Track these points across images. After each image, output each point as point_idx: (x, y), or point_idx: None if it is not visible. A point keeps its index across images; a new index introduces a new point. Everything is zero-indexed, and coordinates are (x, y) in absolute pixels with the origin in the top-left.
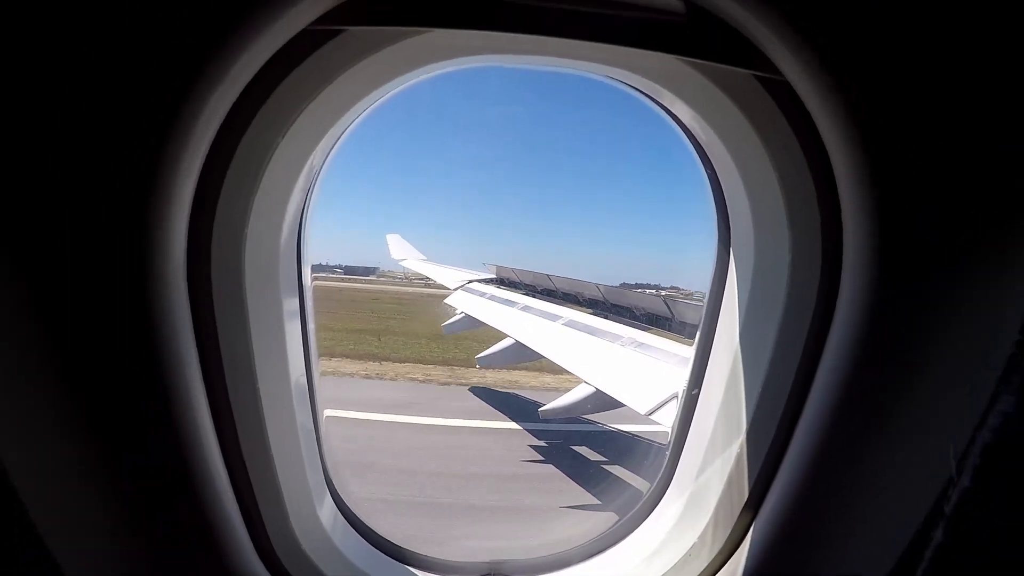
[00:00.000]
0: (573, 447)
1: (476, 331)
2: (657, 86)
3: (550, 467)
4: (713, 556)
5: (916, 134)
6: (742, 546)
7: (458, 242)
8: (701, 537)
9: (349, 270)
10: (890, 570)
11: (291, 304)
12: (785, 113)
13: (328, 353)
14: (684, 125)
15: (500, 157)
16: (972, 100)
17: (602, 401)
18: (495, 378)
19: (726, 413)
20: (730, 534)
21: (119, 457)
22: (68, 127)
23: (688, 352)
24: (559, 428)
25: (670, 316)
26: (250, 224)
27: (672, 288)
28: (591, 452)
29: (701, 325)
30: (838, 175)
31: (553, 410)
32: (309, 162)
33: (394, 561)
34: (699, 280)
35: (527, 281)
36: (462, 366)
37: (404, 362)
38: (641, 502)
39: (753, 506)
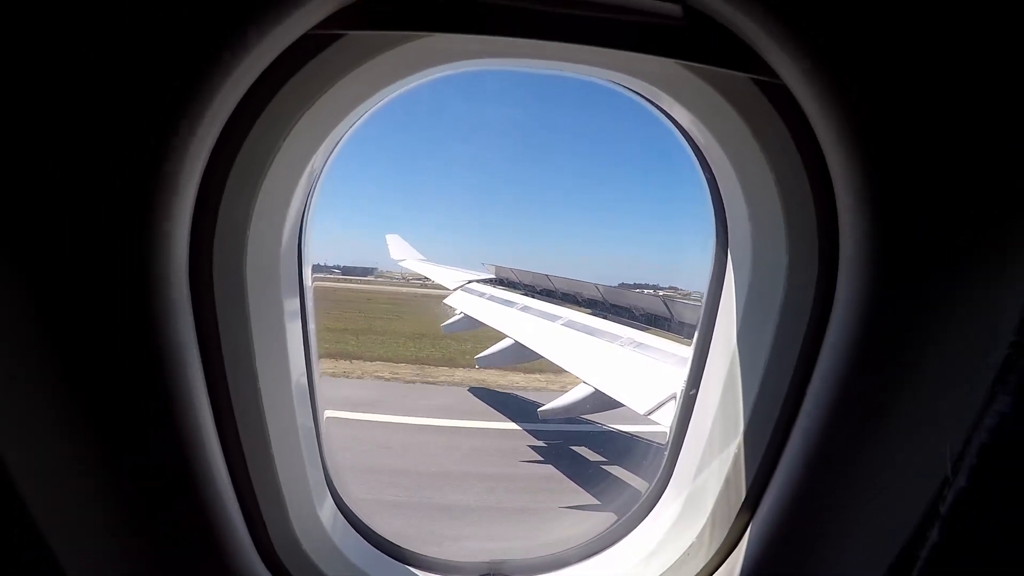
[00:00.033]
0: (572, 447)
1: (466, 331)
2: (656, 89)
3: (549, 467)
4: (710, 556)
5: (912, 137)
6: (739, 546)
7: (457, 242)
8: (699, 537)
9: (347, 270)
10: (886, 570)
11: (292, 304)
12: (782, 116)
13: None
14: (683, 128)
15: (499, 158)
16: (969, 104)
17: (601, 401)
18: (465, 377)
19: (724, 414)
20: (727, 534)
21: (121, 457)
22: (71, 129)
23: (687, 352)
24: (558, 429)
25: (669, 316)
26: (252, 225)
27: (670, 288)
28: (590, 452)
29: (699, 326)
30: (834, 178)
31: (552, 410)
32: (310, 164)
33: (394, 561)
34: (697, 280)
35: (526, 281)
36: (434, 365)
37: (375, 360)
38: (639, 502)
39: (750, 506)
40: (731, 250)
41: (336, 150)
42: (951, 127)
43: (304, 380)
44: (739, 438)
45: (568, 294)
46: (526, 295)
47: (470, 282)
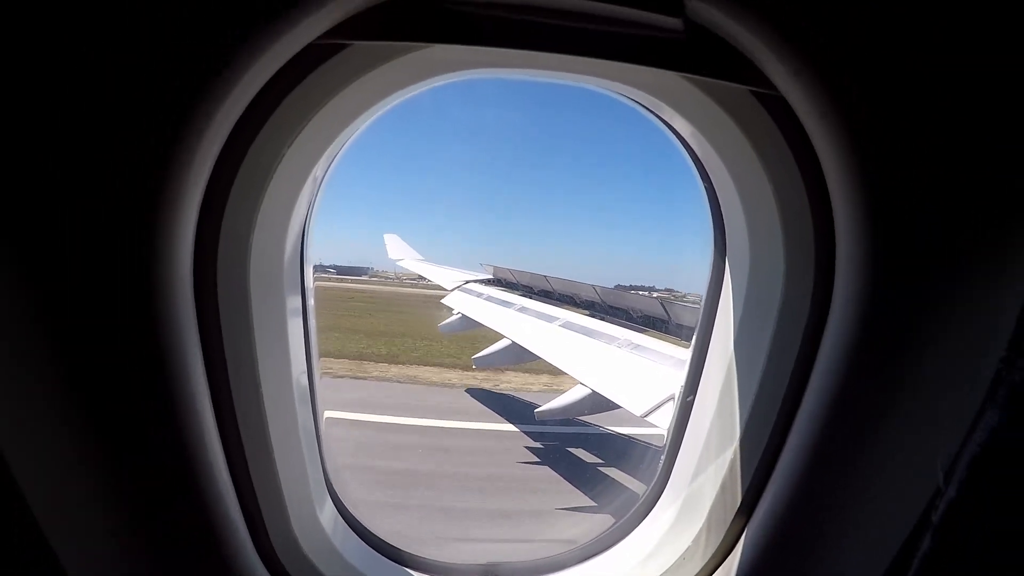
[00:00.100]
0: (569, 449)
1: (464, 331)
2: (657, 100)
3: (546, 468)
4: (706, 560)
5: (907, 148)
6: (735, 551)
7: (455, 243)
8: (695, 541)
9: (342, 270)
10: (883, 573)
11: (294, 308)
12: (780, 128)
13: None
14: (683, 138)
15: (499, 162)
16: (965, 117)
17: (598, 402)
18: (399, 373)
19: (720, 419)
20: (723, 538)
21: (122, 457)
22: (78, 134)
23: (684, 354)
24: (556, 430)
25: (666, 318)
26: (256, 231)
27: (667, 290)
28: (587, 454)
29: (696, 333)
30: (831, 188)
31: (549, 411)
32: (314, 171)
33: (393, 563)
34: (694, 282)
35: (524, 282)
36: (374, 360)
37: (322, 357)
38: (636, 506)
39: (746, 511)
40: (729, 258)
41: (338, 157)
42: (947, 138)
43: (305, 382)
44: (735, 443)
45: (566, 295)
46: (524, 296)
47: (468, 282)
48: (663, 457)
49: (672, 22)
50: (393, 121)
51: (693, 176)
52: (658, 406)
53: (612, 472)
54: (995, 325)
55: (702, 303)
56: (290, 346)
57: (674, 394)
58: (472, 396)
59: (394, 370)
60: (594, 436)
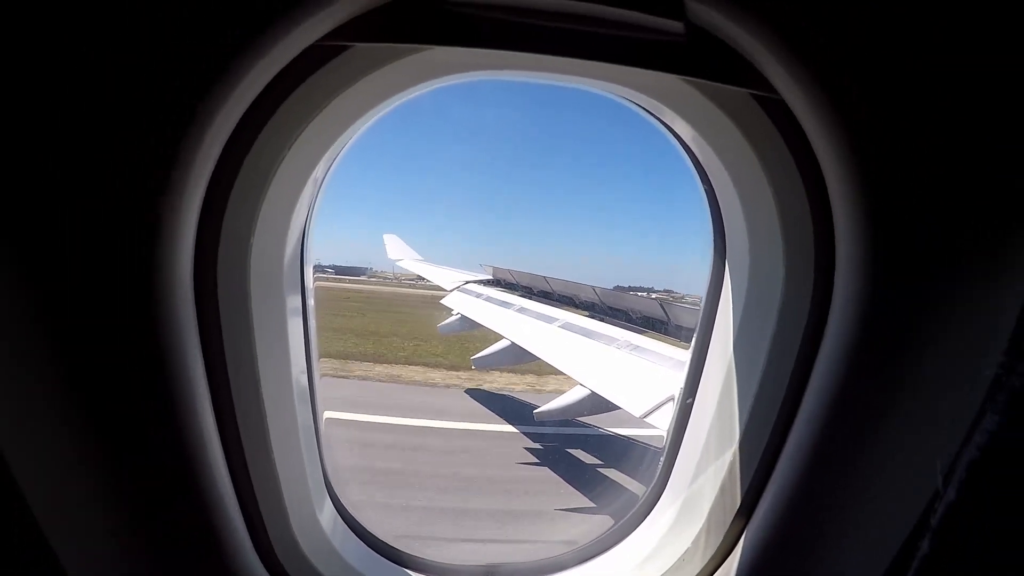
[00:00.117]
0: (568, 450)
1: (464, 332)
2: (658, 103)
3: (545, 470)
4: (705, 562)
5: (907, 152)
6: (734, 552)
7: (455, 244)
8: (694, 543)
9: (340, 270)
10: (883, 574)
11: (294, 308)
12: (781, 131)
13: None
14: (683, 141)
15: (499, 162)
16: (965, 118)
17: (597, 403)
18: (381, 372)
19: (720, 421)
20: (722, 540)
21: (123, 457)
22: (81, 135)
23: (683, 355)
24: (555, 432)
25: (666, 319)
26: (256, 232)
27: (665, 291)
28: (586, 455)
29: (696, 335)
30: (831, 191)
31: (548, 412)
32: (314, 172)
33: (392, 564)
34: (693, 283)
35: (524, 283)
36: (369, 360)
37: None
38: (635, 507)
39: (745, 513)
40: (729, 260)
41: (339, 158)
42: (946, 140)
43: (305, 381)
44: (735, 445)
45: (565, 296)
46: (523, 297)
47: (467, 283)
48: (662, 458)
49: (673, 25)
50: (394, 122)
51: (692, 178)
52: (657, 407)
53: (611, 473)
54: (995, 326)
55: (702, 305)
56: (290, 346)
57: (673, 395)
58: (472, 397)
59: (378, 369)
60: (593, 437)
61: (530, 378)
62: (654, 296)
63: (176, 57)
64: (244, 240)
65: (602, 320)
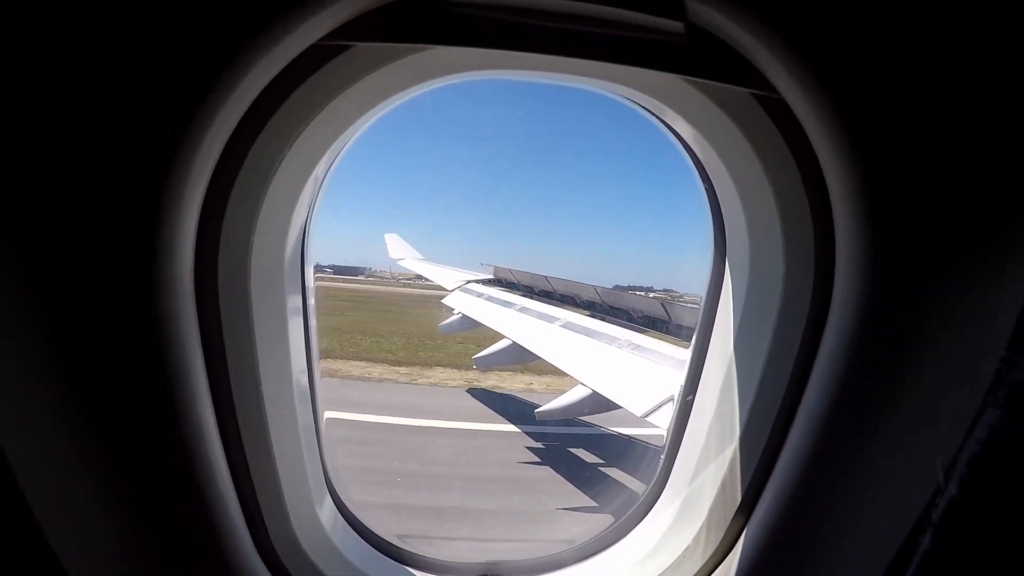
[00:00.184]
0: (570, 449)
1: (465, 331)
2: (659, 103)
3: (547, 469)
4: (706, 559)
5: (907, 151)
6: (734, 550)
7: (456, 242)
8: (694, 540)
9: (339, 270)
10: (883, 572)
11: (295, 306)
12: (781, 130)
13: None
14: (684, 140)
15: (500, 162)
16: (964, 118)
17: (598, 403)
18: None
19: (720, 419)
20: (723, 538)
21: (123, 456)
22: (82, 134)
23: (684, 355)
24: (556, 431)
25: (667, 319)
26: (257, 230)
27: (665, 290)
28: (588, 454)
29: (696, 332)
30: (831, 190)
31: (549, 411)
32: (315, 171)
33: (392, 561)
34: (693, 282)
35: (525, 282)
36: (344, 358)
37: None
38: (636, 505)
39: (746, 510)
40: (729, 258)
41: (340, 157)
42: (945, 138)
43: (305, 381)
44: (735, 442)
45: (566, 295)
46: (524, 296)
47: (468, 282)
48: (663, 456)
49: (674, 25)
50: (395, 121)
51: (692, 177)
52: (658, 406)
53: (613, 472)
54: (995, 324)
55: (702, 303)
56: (290, 345)
57: (674, 395)
58: (473, 396)
59: (341, 365)
60: (595, 436)
61: (522, 378)
62: (652, 295)
63: (177, 56)
64: (244, 239)
65: (603, 319)
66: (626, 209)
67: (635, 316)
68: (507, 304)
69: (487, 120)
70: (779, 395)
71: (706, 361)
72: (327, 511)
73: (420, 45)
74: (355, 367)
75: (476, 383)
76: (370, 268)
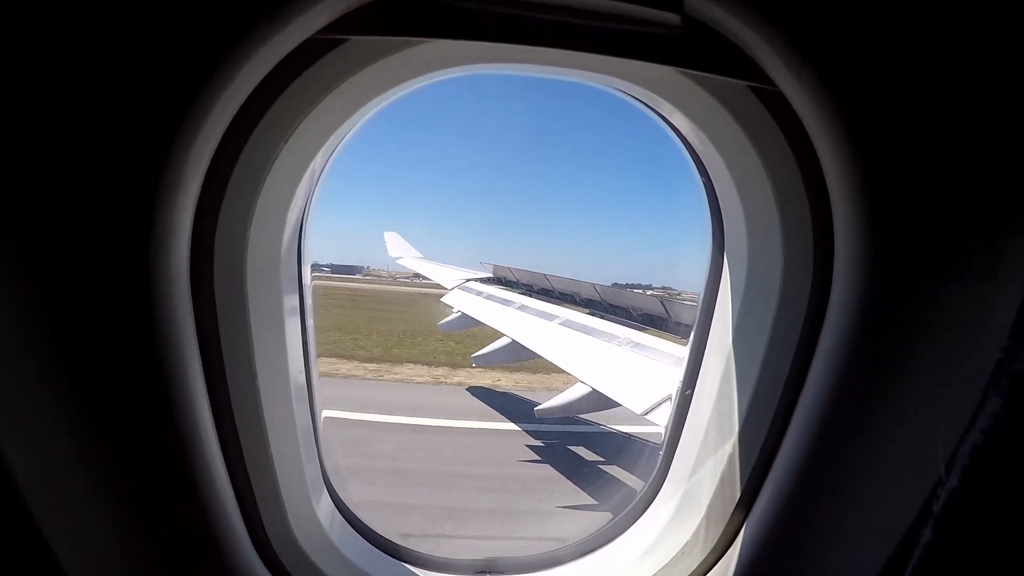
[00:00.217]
0: (570, 447)
1: (464, 329)
2: (656, 96)
3: (547, 467)
4: (706, 554)
5: (906, 144)
6: (734, 544)
7: (455, 239)
8: (694, 535)
9: (336, 269)
10: (881, 568)
11: (291, 304)
12: (779, 123)
13: None
14: (681, 134)
15: (498, 158)
16: (964, 109)
17: (598, 401)
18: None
19: (719, 413)
20: (722, 532)
21: (120, 455)
22: (76, 130)
23: (684, 353)
24: (557, 429)
25: (666, 316)
26: (253, 226)
27: (663, 288)
28: (588, 452)
29: (695, 327)
30: (829, 182)
31: (549, 409)
32: (311, 166)
33: (390, 558)
34: (690, 280)
35: (524, 280)
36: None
37: None
38: (635, 501)
39: (745, 505)
40: (727, 253)
41: (336, 152)
42: (945, 133)
43: (302, 379)
44: (734, 437)
45: (566, 293)
46: (524, 294)
47: (468, 281)
48: (661, 452)
49: (671, 18)
50: (392, 119)
51: (690, 174)
52: (658, 404)
53: (613, 470)
54: (993, 317)
55: (700, 297)
56: (287, 342)
57: (673, 393)
58: (472, 395)
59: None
60: (595, 434)
61: (460, 378)
62: (650, 293)
63: (171, 52)
64: (240, 235)
65: (603, 317)
66: (624, 206)
67: (634, 314)
68: (506, 302)
69: (484, 117)
70: (778, 389)
71: (705, 356)
72: (325, 509)
73: (416, 38)
74: (323, 363)
75: (443, 380)
76: (367, 267)
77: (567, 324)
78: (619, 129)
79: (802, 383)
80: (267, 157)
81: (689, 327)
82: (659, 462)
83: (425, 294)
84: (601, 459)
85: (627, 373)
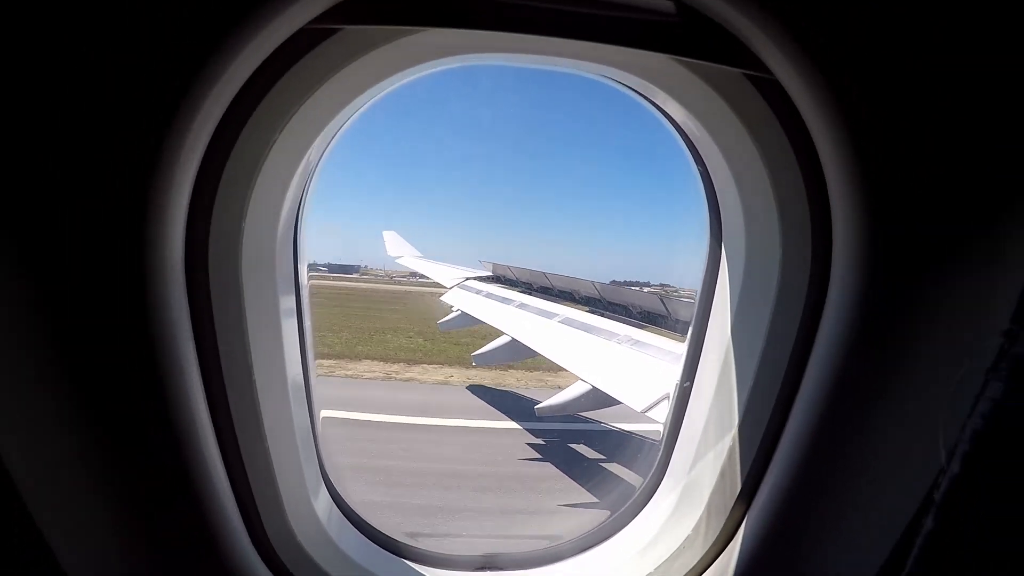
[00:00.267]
0: (571, 445)
1: (463, 328)
2: (651, 85)
3: (548, 465)
4: (707, 548)
5: (902, 130)
6: (736, 537)
7: (454, 240)
8: (695, 529)
9: (333, 268)
10: (884, 558)
11: (288, 300)
12: (775, 111)
13: None
14: (676, 123)
15: (494, 154)
16: (960, 96)
17: (598, 398)
18: None
19: (719, 406)
20: (724, 525)
21: (118, 454)
22: (68, 122)
23: (684, 349)
24: (557, 427)
25: (666, 314)
26: (247, 219)
27: (661, 285)
28: (589, 450)
29: (693, 318)
30: (827, 171)
31: (549, 407)
32: (305, 158)
33: (389, 554)
34: (688, 277)
35: (523, 279)
36: None
37: None
38: (635, 495)
39: (746, 498)
40: (725, 243)
41: (331, 144)
42: (940, 118)
43: (300, 376)
44: (734, 429)
45: (565, 291)
46: (523, 292)
47: (467, 279)
48: (661, 445)
49: (665, 5)
50: (386, 110)
51: (687, 173)
52: (658, 401)
53: (614, 467)
54: (993, 306)
55: (699, 289)
56: (284, 339)
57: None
58: (473, 393)
59: None
60: (595, 432)
61: (412, 373)
62: (647, 290)
63: (162, 43)
64: (235, 226)
65: (602, 315)
66: (620, 202)
67: (634, 311)
68: (506, 301)
69: (479, 113)
70: (778, 380)
71: (704, 347)
72: (324, 506)
73: (409, 27)
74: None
75: (394, 375)
76: (364, 266)
77: (567, 322)
78: (614, 122)
79: (802, 373)
80: (260, 150)
81: (688, 324)
82: (659, 455)
83: (416, 292)
84: (602, 457)
85: (627, 371)
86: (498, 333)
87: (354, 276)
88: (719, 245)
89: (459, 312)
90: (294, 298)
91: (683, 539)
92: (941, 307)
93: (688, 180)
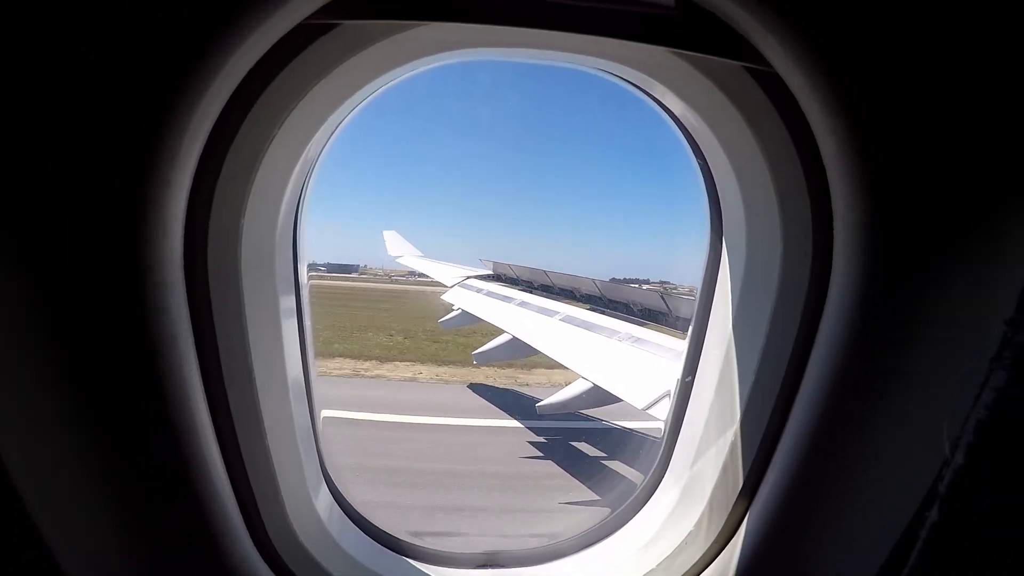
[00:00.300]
0: (572, 443)
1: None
2: (649, 79)
3: (550, 463)
4: (709, 544)
5: (903, 124)
6: (738, 533)
7: (454, 239)
8: (697, 525)
9: (333, 268)
10: (888, 553)
11: (287, 299)
12: (775, 104)
13: None
14: (676, 117)
15: (493, 152)
16: (959, 90)
17: (599, 396)
18: None
19: (720, 401)
20: (726, 521)
21: (118, 454)
22: (66, 119)
23: (684, 347)
24: (558, 425)
25: (666, 311)
26: (246, 216)
27: (661, 282)
28: (590, 448)
29: (694, 313)
30: (827, 163)
31: (550, 405)
32: (304, 155)
33: (391, 552)
34: (688, 274)
35: (524, 277)
36: None
37: None
38: (637, 491)
39: (748, 493)
40: (726, 237)
41: (331, 141)
42: (940, 112)
43: (300, 374)
44: (736, 425)
45: (566, 289)
46: (524, 291)
47: (468, 278)
48: (663, 441)
49: None
50: (385, 106)
51: (687, 170)
52: (660, 399)
53: (615, 465)
54: (995, 301)
55: (700, 284)
56: (283, 335)
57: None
58: (473, 392)
59: None
60: (597, 430)
61: (383, 370)
62: (647, 287)
63: (160, 39)
64: (234, 223)
65: (603, 313)
66: (619, 199)
67: (634, 309)
68: (506, 299)
69: (479, 110)
70: (780, 375)
71: (705, 343)
72: (324, 504)
73: (408, 22)
74: None
75: (363, 372)
76: (363, 266)
77: (567, 320)
78: (613, 116)
79: (804, 368)
80: (259, 146)
81: (688, 321)
82: (660, 451)
83: (412, 291)
84: (603, 454)
85: (628, 368)
86: (499, 331)
87: (353, 275)
88: (720, 239)
89: (460, 311)
90: (294, 296)
91: (685, 536)
92: (943, 300)
93: (688, 175)
